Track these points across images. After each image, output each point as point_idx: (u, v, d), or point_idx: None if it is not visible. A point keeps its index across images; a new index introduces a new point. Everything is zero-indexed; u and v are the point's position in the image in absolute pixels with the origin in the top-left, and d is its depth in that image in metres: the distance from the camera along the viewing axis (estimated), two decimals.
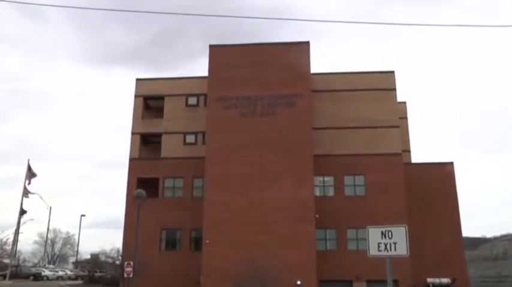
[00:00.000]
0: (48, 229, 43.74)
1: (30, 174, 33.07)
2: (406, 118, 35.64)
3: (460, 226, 29.98)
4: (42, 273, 43.14)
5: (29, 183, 32.92)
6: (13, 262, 39.91)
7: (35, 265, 53.73)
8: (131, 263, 20.58)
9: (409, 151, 34.62)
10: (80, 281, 39.90)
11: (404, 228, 8.73)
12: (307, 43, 30.15)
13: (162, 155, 31.26)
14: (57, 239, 65.03)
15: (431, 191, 30.11)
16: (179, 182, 30.68)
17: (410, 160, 34.17)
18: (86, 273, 42.43)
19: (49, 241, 59.52)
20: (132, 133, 31.87)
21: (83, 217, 43.76)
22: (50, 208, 38.71)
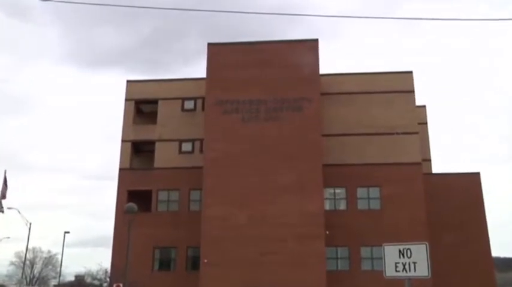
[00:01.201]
0: (27, 248, 43.44)
1: (5, 187, 32.98)
2: (426, 123, 35.58)
3: (489, 244, 29.78)
4: None
5: (4, 197, 32.81)
6: None
7: None
8: (120, 285, 20.47)
9: (429, 160, 34.53)
10: None
11: (425, 246, 8.62)
12: (316, 41, 30.24)
13: (156, 165, 31.28)
14: (37, 260, 64.46)
15: (455, 204, 29.97)
16: (174, 195, 30.67)
17: (431, 170, 34.07)
18: None
19: (28, 262, 59.01)
20: (123, 141, 31.93)
21: (66, 234, 43.54)
22: (30, 224, 38.59)
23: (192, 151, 31.09)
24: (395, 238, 26.06)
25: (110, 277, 28.35)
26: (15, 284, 55.08)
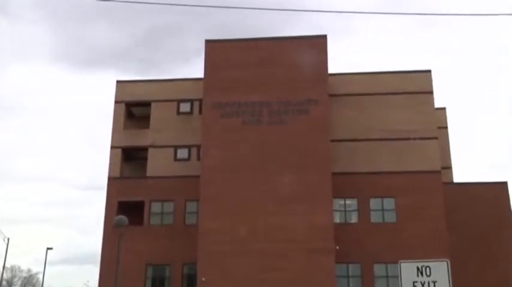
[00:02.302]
0: (4, 267, 43.06)
1: None
2: (446, 127, 35.52)
3: None
4: None
5: None
6: None
7: None
8: None
9: (450, 168, 34.47)
10: None
11: (446, 263, 8.56)
12: (324, 37, 30.30)
13: (148, 173, 31.27)
14: (16, 280, 63.87)
15: (479, 217, 29.80)
16: (169, 207, 30.64)
17: (452, 179, 34.01)
18: None
19: (4, 282, 58.51)
20: (112, 147, 31.94)
21: (49, 251, 43.16)
22: (8, 239, 38.35)
23: (188, 158, 31.07)
24: (413, 254, 25.85)
25: None
26: None
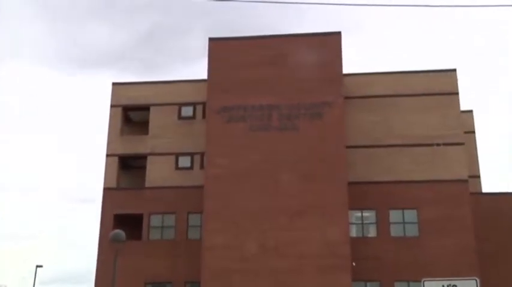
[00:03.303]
0: None
1: None
2: (474, 132, 35.34)
3: None
4: None
5: None
6: None
7: None
8: None
9: (478, 177, 34.28)
10: None
11: (474, 282, 8.50)
12: (338, 34, 30.30)
13: (147, 183, 31.34)
14: None
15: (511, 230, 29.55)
16: (169, 220, 30.66)
17: (481, 189, 33.79)
18: None
19: None
20: (107, 155, 32.03)
21: (39, 269, 43.13)
22: None
23: (191, 167, 31.12)
24: (437, 271, 25.76)
25: None
26: None
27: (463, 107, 31.76)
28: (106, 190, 31.33)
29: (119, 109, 32.89)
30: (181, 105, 32.36)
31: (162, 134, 31.91)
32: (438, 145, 29.42)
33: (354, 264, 26.95)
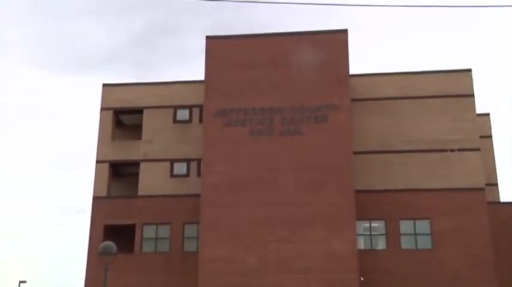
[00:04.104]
0: None
1: None
2: (490, 137, 35.27)
3: None
4: None
5: None
6: None
7: None
8: None
9: (495, 185, 34.21)
10: None
11: None
12: (345, 32, 30.28)
13: (140, 192, 31.29)
14: None
15: None
16: (164, 231, 30.63)
17: (498, 198, 33.70)
18: None
19: None
20: (98, 161, 32.02)
21: (22, 284, 42.93)
22: None
23: (187, 174, 31.09)
24: (452, 286, 25.72)
25: None
26: None
27: (479, 110, 31.63)
28: (96, 199, 31.25)
29: (110, 112, 32.86)
30: (176, 108, 32.35)
31: (156, 138, 31.88)
32: (452, 150, 29.40)
33: (362, 279, 26.85)
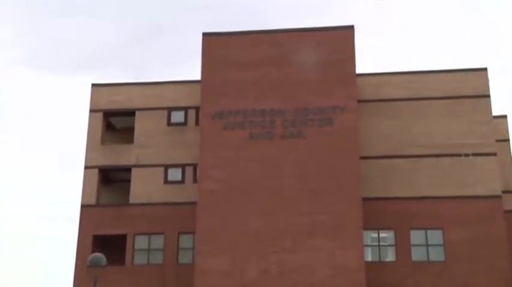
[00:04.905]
0: None
1: None
2: (508, 140, 35.17)
3: None
4: None
5: None
6: None
7: None
8: None
9: None
10: None
11: None
12: (351, 28, 30.30)
13: (132, 200, 31.24)
14: None
15: None
16: (157, 241, 30.59)
17: None
18: None
19: None
20: (86, 167, 31.98)
21: None
22: None
23: (182, 181, 31.04)
24: None
25: None
26: None
27: (496, 111, 31.68)
28: (84, 207, 31.18)
29: (99, 114, 32.83)
30: (171, 109, 32.33)
31: (149, 142, 31.86)
32: (467, 155, 29.37)
33: None
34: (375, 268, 27.99)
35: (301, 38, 30.58)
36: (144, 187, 31.14)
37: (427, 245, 28.90)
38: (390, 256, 29.29)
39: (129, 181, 31.62)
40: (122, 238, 30.56)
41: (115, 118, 33.63)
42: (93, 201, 31.44)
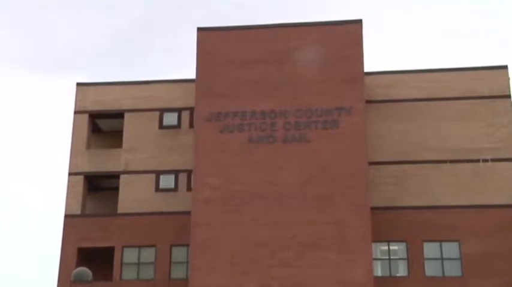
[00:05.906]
0: None
1: None
2: None
3: None
4: None
5: None
6: None
7: None
8: None
9: None
10: None
11: None
12: (359, 23, 30.46)
13: (120, 209, 31.20)
14: None
15: None
16: (148, 255, 30.56)
17: None
18: None
19: None
20: (70, 173, 31.95)
21: None
22: None
23: (175, 188, 31.01)
24: None
25: None
26: None
27: None
28: (68, 217, 31.13)
29: (85, 116, 32.85)
30: (163, 111, 32.35)
31: (139, 147, 31.85)
32: (485, 160, 29.40)
33: None
34: (385, 284, 27.95)
35: (304, 33, 30.67)
36: (133, 195, 31.08)
37: (442, 259, 28.89)
38: (401, 271, 29.28)
39: (117, 188, 31.61)
40: (109, 251, 30.47)
41: (102, 120, 33.63)
42: (78, 210, 31.35)
